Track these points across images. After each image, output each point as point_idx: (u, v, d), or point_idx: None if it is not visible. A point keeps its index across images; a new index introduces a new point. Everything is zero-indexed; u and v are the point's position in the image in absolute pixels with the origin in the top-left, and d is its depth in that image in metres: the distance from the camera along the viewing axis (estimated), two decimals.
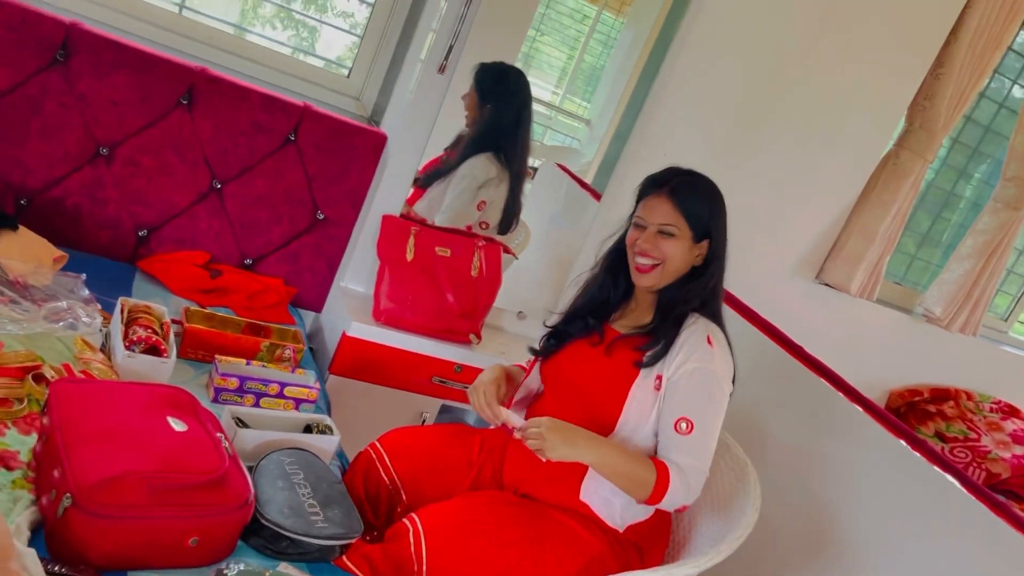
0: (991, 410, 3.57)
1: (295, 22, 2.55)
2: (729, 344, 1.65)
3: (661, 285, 1.66)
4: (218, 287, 2.17)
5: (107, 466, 1.19)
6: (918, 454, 1.96)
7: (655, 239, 1.63)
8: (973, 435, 3.36)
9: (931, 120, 3.03)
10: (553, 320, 1.82)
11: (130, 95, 2.01)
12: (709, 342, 1.57)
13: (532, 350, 1.81)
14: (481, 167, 2.41)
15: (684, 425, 1.53)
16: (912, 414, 3.49)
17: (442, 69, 2.14)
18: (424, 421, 2.33)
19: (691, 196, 1.64)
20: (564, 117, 3.24)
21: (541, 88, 3.12)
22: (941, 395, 3.56)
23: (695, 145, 2.61)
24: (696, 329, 1.59)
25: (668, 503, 1.53)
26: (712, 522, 1.77)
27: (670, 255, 1.62)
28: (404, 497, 1.67)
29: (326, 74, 2.51)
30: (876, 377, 3.49)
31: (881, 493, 2.03)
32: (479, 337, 2.31)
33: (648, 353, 1.59)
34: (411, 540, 1.47)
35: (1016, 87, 3.61)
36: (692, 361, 1.56)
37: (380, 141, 2.26)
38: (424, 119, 2.20)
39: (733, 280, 2.35)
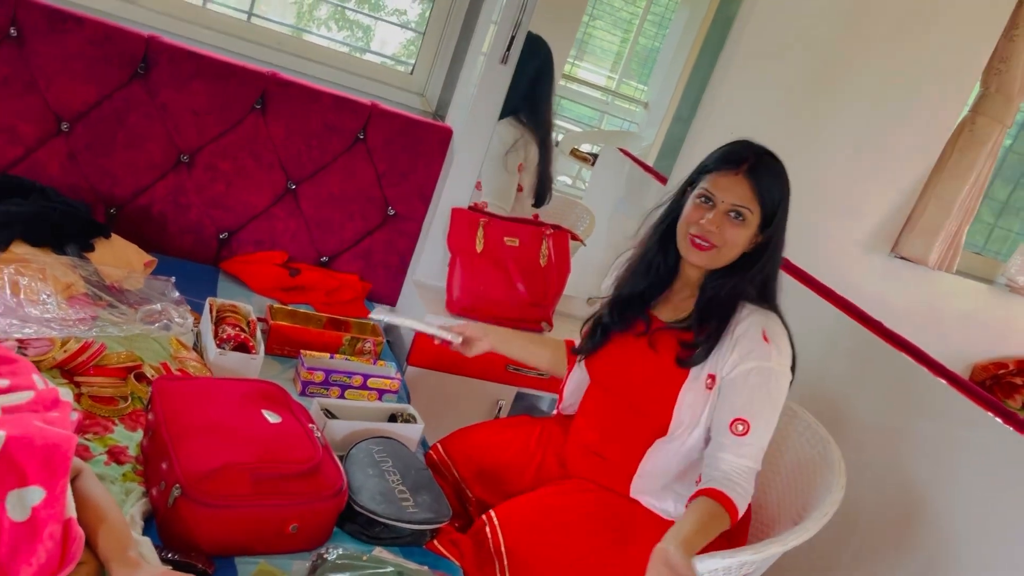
0: None
1: (350, 22, 2.60)
2: (787, 328, 1.55)
3: (711, 267, 1.57)
4: (297, 285, 2.24)
5: (212, 458, 1.26)
6: (1009, 427, 1.91)
7: (723, 221, 1.51)
8: None
9: (1007, 84, 2.92)
10: (597, 307, 1.75)
11: (208, 103, 2.09)
12: (765, 338, 1.49)
13: (573, 349, 1.77)
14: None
15: (740, 427, 1.48)
16: (998, 387, 3.39)
17: (504, 60, 2.16)
18: (500, 409, 2.36)
19: (768, 178, 1.53)
20: (621, 101, 3.23)
21: (596, 73, 3.11)
22: None
23: (762, 122, 2.58)
24: (751, 324, 1.51)
25: (742, 512, 1.49)
26: (796, 501, 1.75)
27: (732, 242, 1.52)
28: (471, 495, 1.69)
29: (390, 72, 2.56)
30: (958, 351, 3.40)
31: (970, 468, 1.99)
32: (551, 325, 2.34)
33: (692, 354, 1.52)
34: (489, 536, 1.49)
35: None
36: (749, 359, 1.49)
37: (446, 135, 2.30)
38: (488, 110, 2.23)
39: (806, 257, 2.32)
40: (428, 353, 2.24)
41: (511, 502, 1.55)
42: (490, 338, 1.78)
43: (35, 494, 1.03)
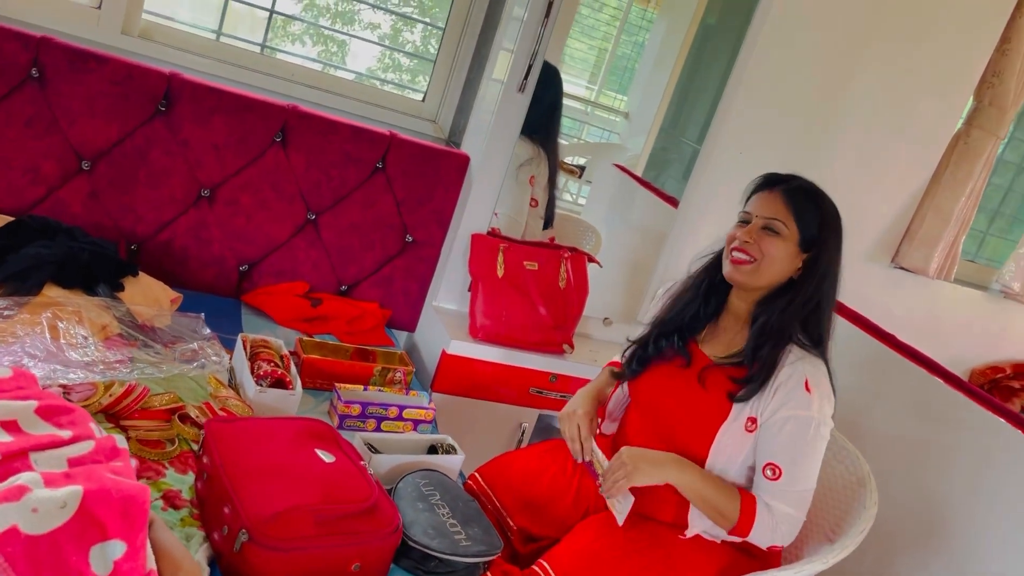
0: None
1: (324, 37, 2.60)
2: (831, 375, 1.57)
3: (753, 285, 1.58)
4: (319, 315, 2.24)
5: (275, 501, 1.27)
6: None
7: (758, 234, 1.56)
8: None
9: (1001, 96, 3.00)
10: (638, 334, 1.77)
11: (229, 137, 2.09)
12: (807, 387, 1.51)
13: (615, 373, 1.79)
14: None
15: (771, 472, 1.51)
16: (996, 391, 3.45)
17: (522, 88, 2.19)
18: (523, 432, 2.39)
19: (805, 199, 1.58)
20: (601, 112, 3.27)
21: (575, 84, 3.14)
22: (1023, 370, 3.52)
23: (770, 141, 2.62)
24: (794, 372, 1.52)
25: (755, 538, 1.52)
26: (828, 517, 1.79)
27: (770, 254, 1.54)
28: (513, 524, 1.70)
29: (402, 99, 2.58)
30: (956, 356, 3.46)
31: (989, 478, 2.04)
32: (572, 346, 2.36)
33: (745, 388, 1.54)
34: None
35: None
36: (787, 408, 1.51)
37: (463, 162, 2.32)
38: (506, 137, 2.26)
39: None
40: (452, 378, 2.26)
41: (561, 547, 1.56)
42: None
43: (116, 548, 1.04)
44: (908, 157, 3.00)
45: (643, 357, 1.71)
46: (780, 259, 1.56)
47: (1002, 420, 2.08)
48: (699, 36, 2.95)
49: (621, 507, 1.58)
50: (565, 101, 2.99)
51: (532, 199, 2.56)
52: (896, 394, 2.31)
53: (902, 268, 3.15)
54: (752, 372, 1.54)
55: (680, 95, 2.98)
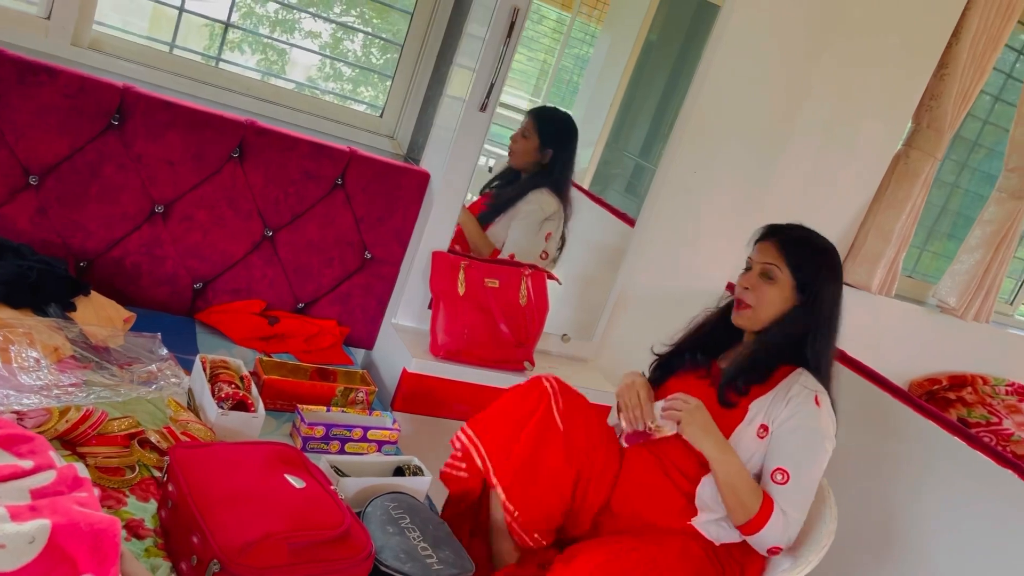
0: (1007, 392, 3.67)
1: (263, 46, 2.57)
2: (833, 405, 1.72)
3: (753, 328, 1.74)
4: (276, 333, 2.20)
5: (247, 529, 1.24)
6: (976, 451, 2.05)
7: (756, 281, 1.72)
8: (995, 419, 3.47)
9: (938, 119, 3.13)
10: (660, 349, 1.91)
11: (184, 153, 2.04)
12: (816, 402, 1.66)
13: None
14: (547, 201, 2.53)
15: (780, 476, 1.63)
16: (933, 403, 3.58)
17: (484, 107, 2.20)
18: None
19: (799, 245, 1.72)
20: None
21: (518, 97, 3.16)
22: (959, 382, 3.66)
23: (723, 164, 2.69)
24: (805, 387, 1.67)
25: (763, 537, 1.61)
26: None
27: (765, 301, 1.70)
28: (502, 495, 1.66)
29: (359, 115, 2.55)
30: (895, 369, 3.57)
31: (929, 483, 2.12)
32: (532, 363, 2.37)
33: (737, 380, 1.68)
34: None
35: (1010, 80, 3.73)
36: (797, 418, 1.64)
37: (423, 179, 2.31)
38: (467, 156, 2.25)
39: None
40: (412, 397, 2.24)
41: (577, 566, 1.56)
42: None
43: None
44: (851, 177, 3.10)
45: (669, 365, 1.85)
46: (775, 303, 1.71)
47: (944, 431, 2.17)
48: (643, 52, 3.00)
49: (667, 429, 1.66)
50: (508, 114, 3.03)
51: (544, 252, 2.60)
52: (845, 407, 2.37)
53: (847, 284, 3.23)
54: (736, 382, 1.69)
55: (624, 110, 3.03)
